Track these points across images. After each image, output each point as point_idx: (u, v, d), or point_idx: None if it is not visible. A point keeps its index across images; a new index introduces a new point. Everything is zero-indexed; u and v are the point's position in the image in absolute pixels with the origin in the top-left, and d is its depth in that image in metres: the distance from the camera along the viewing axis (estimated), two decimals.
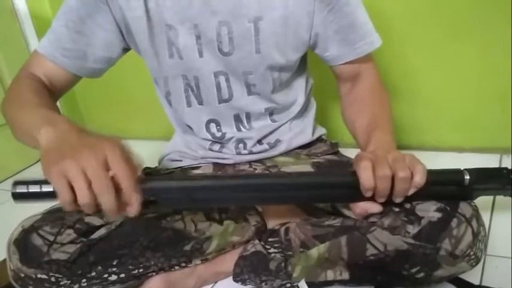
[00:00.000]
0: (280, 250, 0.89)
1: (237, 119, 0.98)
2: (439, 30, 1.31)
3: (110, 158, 0.60)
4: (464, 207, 0.75)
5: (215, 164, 1.02)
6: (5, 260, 0.82)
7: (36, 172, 1.83)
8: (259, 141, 1.00)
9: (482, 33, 1.26)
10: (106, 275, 0.83)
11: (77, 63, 0.90)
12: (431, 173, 0.73)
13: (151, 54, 0.92)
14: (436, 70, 1.36)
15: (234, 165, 1.01)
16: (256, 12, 0.87)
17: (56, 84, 0.91)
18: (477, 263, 0.77)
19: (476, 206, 0.77)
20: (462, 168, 0.78)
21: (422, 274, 0.76)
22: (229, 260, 0.93)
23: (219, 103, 0.95)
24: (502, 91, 1.29)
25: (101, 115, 1.96)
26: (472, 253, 0.74)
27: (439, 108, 1.40)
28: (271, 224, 0.96)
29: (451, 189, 0.77)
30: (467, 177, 0.76)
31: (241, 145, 1.00)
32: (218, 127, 0.99)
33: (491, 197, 1.12)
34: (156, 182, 0.70)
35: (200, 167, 1.04)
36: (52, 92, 0.90)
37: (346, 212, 0.85)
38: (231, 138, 0.99)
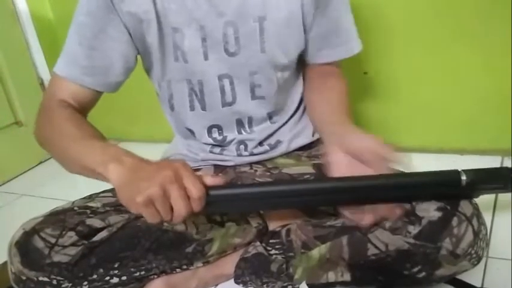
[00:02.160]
0: (281, 252, 0.89)
1: (239, 123, 0.98)
2: (441, 32, 1.30)
3: (183, 173, 0.67)
4: (464, 206, 0.75)
5: (216, 166, 1.02)
6: (5, 263, 0.82)
7: (34, 175, 1.84)
8: (260, 143, 1.00)
9: (485, 35, 1.26)
10: (108, 278, 0.83)
11: (98, 79, 0.90)
12: (426, 175, 0.74)
13: (157, 57, 0.91)
14: (437, 72, 1.36)
15: (234, 167, 1.01)
16: (260, 12, 0.87)
17: (83, 103, 0.92)
18: (479, 261, 0.77)
19: (477, 204, 0.77)
20: (460, 170, 0.76)
21: (423, 273, 0.76)
22: (230, 263, 0.93)
23: (223, 106, 0.95)
24: (503, 93, 1.28)
25: (102, 117, 1.94)
26: (473, 252, 0.74)
27: (440, 111, 1.40)
28: (273, 225, 0.96)
29: (449, 190, 0.77)
30: (463, 178, 0.74)
31: (242, 147, 0.99)
32: (220, 131, 0.99)
33: (492, 199, 1.13)
34: (220, 190, 0.72)
35: (200, 169, 1.03)
36: (83, 113, 0.92)
37: (347, 214, 0.85)
38: (232, 140, 0.99)
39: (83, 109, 0.92)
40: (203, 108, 0.96)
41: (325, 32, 0.93)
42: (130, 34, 0.88)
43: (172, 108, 1.00)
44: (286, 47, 0.92)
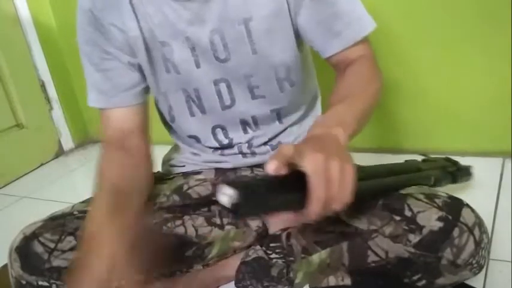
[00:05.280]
0: (281, 256, 0.89)
1: (244, 122, 0.96)
2: (443, 34, 1.30)
3: None
4: (466, 216, 0.74)
5: (217, 170, 1.01)
6: (5, 266, 0.83)
7: (35, 177, 1.84)
8: (265, 143, 0.98)
9: (487, 37, 1.26)
10: None
11: (125, 95, 0.91)
12: None
13: (148, 72, 0.91)
14: (438, 74, 1.36)
15: (235, 170, 1.00)
16: (244, 13, 0.85)
17: (132, 123, 0.92)
18: (480, 270, 0.76)
19: (478, 214, 0.76)
20: None
21: (423, 282, 0.76)
22: (230, 265, 0.93)
23: (223, 110, 0.93)
24: (505, 95, 1.28)
25: None
26: (474, 262, 0.74)
27: (442, 112, 1.40)
28: (273, 229, 0.95)
29: None
30: None
31: (246, 145, 0.98)
32: (224, 131, 0.97)
33: (493, 201, 1.13)
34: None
35: (202, 172, 1.03)
36: (141, 132, 0.93)
37: (347, 219, 0.84)
38: (239, 143, 0.98)
39: (137, 128, 0.93)
40: (203, 112, 0.95)
41: (323, 19, 0.86)
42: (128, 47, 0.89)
43: (173, 119, 0.98)
44: (279, 42, 0.88)
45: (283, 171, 0.58)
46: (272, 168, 0.57)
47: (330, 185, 0.56)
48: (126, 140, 0.90)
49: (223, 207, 0.58)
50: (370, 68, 0.88)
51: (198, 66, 0.89)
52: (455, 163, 1.09)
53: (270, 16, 0.85)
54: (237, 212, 0.57)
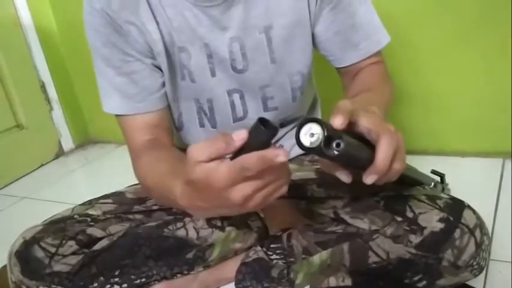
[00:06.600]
0: (282, 257, 0.89)
1: None
2: (442, 34, 1.30)
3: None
4: (467, 217, 0.75)
5: None
6: (5, 266, 0.83)
7: (35, 178, 1.84)
8: None
9: (486, 37, 1.25)
10: (108, 286, 0.83)
11: (151, 99, 0.87)
12: None
13: (167, 77, 0.88)
14: (438, 74, 1.35)
15: None
16: (265, 21, 0.84)
17: (159, 125, 0.89)
18: (480, 272, 0.77)
19: (480, 215, 0.76)
20: None
21: (424, 283, 0.76)
22: (231, 266, 0.93)
23: (234, 122, 0.92)
24: (505, 95, 1.28)
25: (102, 118, 1.96)
26: (475, 263, 0.74)
27: (442, 113, 1.40)
28: (273, 230, 0.95)
29: None
30: None
31: None
32: None
33: (493, 202, 1.13)
34: None
35: None
36: (167, 132, 0.90)
37: (348, 219, 0.85)
38: None
39: (164, 130, 0.89)
40: (213, 126, 0.94)
41: (343, 29, 0.87)
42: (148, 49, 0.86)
43: (181, 126, 0.96)
44: (298, 51, 0.88)
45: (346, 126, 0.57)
46: (339, 122, 0.56)
47: (394, 142, 0.58)
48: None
49: (307, 148, 0.56)
50: (383, 73, 0.92)
51: (213, 74, 0.88)
52: (442, 176, 1.10)
53: (290, 24, 0.85)
54: (329, 148, 0.55)
